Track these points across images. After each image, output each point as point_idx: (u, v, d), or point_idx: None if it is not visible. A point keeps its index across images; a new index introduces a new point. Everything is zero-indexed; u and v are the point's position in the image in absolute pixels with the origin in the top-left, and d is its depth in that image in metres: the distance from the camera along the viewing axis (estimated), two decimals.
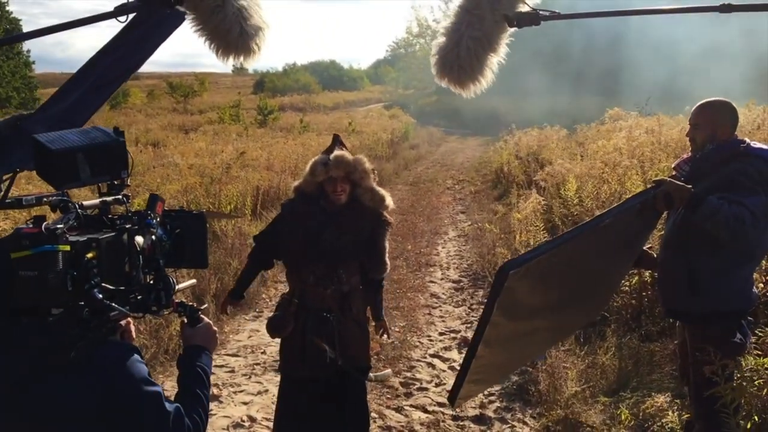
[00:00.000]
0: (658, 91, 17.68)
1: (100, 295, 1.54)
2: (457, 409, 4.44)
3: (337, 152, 3.38)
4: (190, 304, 1.91)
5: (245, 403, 4.57)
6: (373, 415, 4.19)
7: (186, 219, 1.93)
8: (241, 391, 4.76)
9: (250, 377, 5.02)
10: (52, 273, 1.46)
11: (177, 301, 1.85)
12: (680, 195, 2.80)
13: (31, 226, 1.50)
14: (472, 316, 6.45)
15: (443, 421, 4.32)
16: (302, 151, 14.09)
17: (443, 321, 6.34)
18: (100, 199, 1.77)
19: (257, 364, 5.27)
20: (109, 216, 1.75)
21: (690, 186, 2.86)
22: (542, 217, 7.17)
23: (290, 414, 3.45)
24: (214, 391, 4.71)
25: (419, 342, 5.74)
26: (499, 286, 2.44)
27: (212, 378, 4.86)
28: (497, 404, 4.60)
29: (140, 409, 1.59)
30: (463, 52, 2.68)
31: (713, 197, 2.80)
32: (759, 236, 2.86)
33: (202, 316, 1.91)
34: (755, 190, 2.81)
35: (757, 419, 2.78)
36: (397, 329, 5.95)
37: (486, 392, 4.74)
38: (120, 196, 1.84)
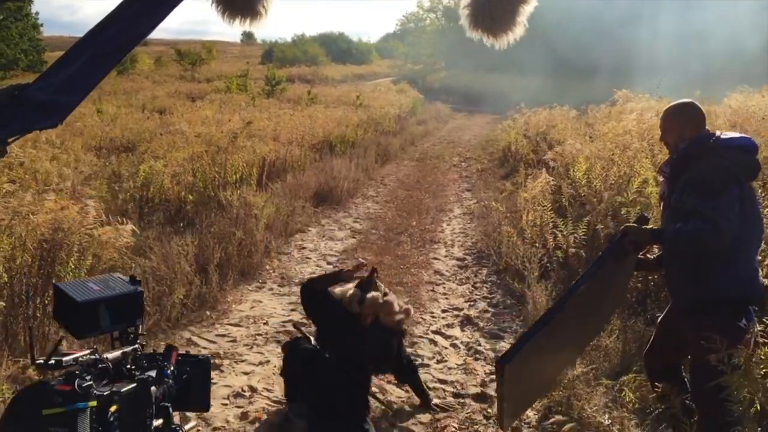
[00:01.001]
0: (672, 74, 17.50)
1: None
2: (461, 389, 4.45)
3: (371, 296, 3.95)
4: None
5: (246, 373, 4.57)
6: (374, 389, 4.19)
7: (191, 364, 2.01)
8: (242, 361, 4.76)
9: (251, 347, 5.02)
10: (80, 430, 1.53)
11: None
12: (643, 237, 3.16)
13: (62, 382, 1.57)
14: (476, 294, 6.44)
15: (444, 398, 4.32)
16: (309, 123, 14.00)
17: (446, 298, 6.32)
18: (121, 351, 1.86)
19: (259, 334, 5.27)
20: (127, 366, 1.85)
21: (651, 227, 3.24)
22: (551, 197, 7.11)
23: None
24: (216, 360, 4.71)
25: (422, 318, 5.73)
26: (501, 378, 2.83)
27: (213, 347, 4.88)
28: None
29: None
30: (494, 2, 2.74)
31: (671, 228, 3.06)
32: (746, 223, 2.99)
33: None
34: (718, 192, 2.94)
35: (758, 407, 2.76)
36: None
37: (487, 370, 4.74)
38: (137, 345, 1.93)
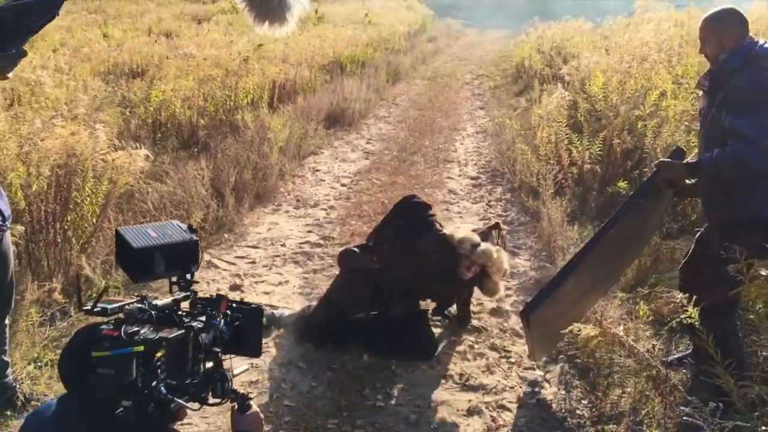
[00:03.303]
0: None
1: (165, 391, 1.70)
2: (477, 304, 4.52)
3: (487, 245, 3.78)
4: (242, 393, 2.00)
5: (266, 293, 4.66)
6: None
7: (245, 312, 2.05)
8: (262, 282, 4.85)
9: (270, 268, 5.10)
10: (128, 372, 1.62)
11: (231, 388, 1.97)
12: (679, 175, 3.05)
13: (111, 327, 1.67)
14: (490, 212, 6.45)
15: (480, 319, 4.39)
16: (318, 43, 13.72)
17: (461, 217, 6.34)
18: (172, 299, 1.92)
19: (277, 256, 5.34)
20: (178, 313, 1.90)
21: (683, 162, 3.09)
22: (566, 113, 7.01)
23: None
24: (236, 281, 4.80)
25: None
26: (527, 326, 2.84)
27: (233, 268, 4.96)
28: (514, 297, 4.67)
29: None
30: None
31: (707, 156, 2.93)
32: None
33: (251, 404, 2.01)
34: (755, 108, 2.83)
35: None
36: None
37: (503, 286, 4.79)
38: (189, 293, 1.98)
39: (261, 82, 9.38)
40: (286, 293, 4.69)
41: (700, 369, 2.94)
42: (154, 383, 1.68)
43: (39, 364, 3.53)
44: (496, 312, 4.47)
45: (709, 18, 3.14)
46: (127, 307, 1.80)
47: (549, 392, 3.58)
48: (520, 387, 3.64)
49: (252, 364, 3.50)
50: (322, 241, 5.65)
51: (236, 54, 10.04)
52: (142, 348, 1.64)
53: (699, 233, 3.44)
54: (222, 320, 1.96)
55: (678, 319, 2.85)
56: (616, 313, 4.05)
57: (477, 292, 4.21)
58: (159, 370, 1.70)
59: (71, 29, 12.82)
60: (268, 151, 7.19)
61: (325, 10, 21.75)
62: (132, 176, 4.92)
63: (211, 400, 1.90)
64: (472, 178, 7.62)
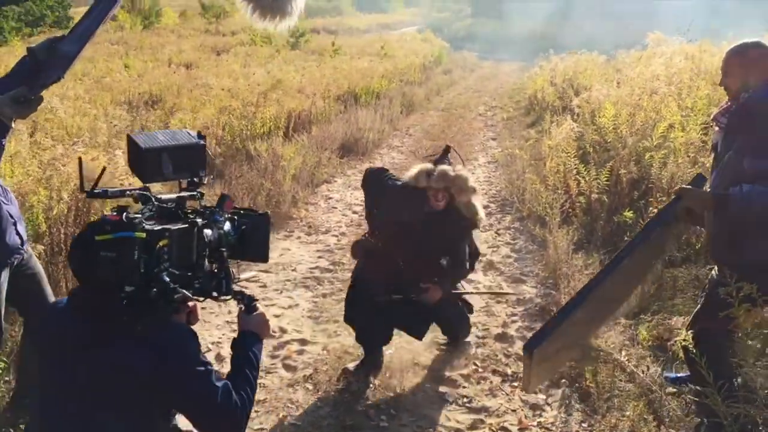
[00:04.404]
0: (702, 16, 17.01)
1: (167, 279, 1.76)
2: (483, 329, 4.60)
3: (441, 167, 3.71)
4: (249, 294, 2.11)
5: (276, 316, 4.77)
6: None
7: (252, 217, 2.12)
8: (272, 305, 4.96)
9: (281, 292, 5.22)
10: (128, 256, 1.68)
11: (236, 289, 2.07)
12: (702, 205, 2.70)
13: (114, 213, 1.73)
14: (499, 240, 6.54)
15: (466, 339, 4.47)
16: (334, 74, 13.99)
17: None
18: (177, 194, 1.98)
19: (288, 280, 5.46)
20: (184, 210, 1.97)
21: (709, 192, 2.78)
22: (574, 144, 7.11)
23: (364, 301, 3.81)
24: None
25: None
26: (528, 362, 2.62)
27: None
28: (519, 323, 4.74)
29: (189, 384, 1.83)
30: None
31: (736, 190, 2.63)
32: None
33: (257, 305, 2.12)
34: None
35: None
36: None
37: (509, 312, 4.88)
38: (195, 193, 2.04)
39: (278, 113, 9.60)
40: (295, 316, 4.80)
41: (697, 391, 2.98)
42: (156, 270, 1.75)
43: None
44: (501, 337, 4.55)
45: (736, 51, 2.96)
46: (129, 192, 1.91)
47: (550, 415, 3.64)
48: (522, 410, 3.71)
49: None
50: (332, 267, 5.77)
51: (255, 85, 10.29)
52: (143, 235, 1.71)
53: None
54: (228, 223, 2.03)
55: (672, 342, 2.91)
56: (618, 339, 4.12)
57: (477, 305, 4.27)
58: (162, 259, 1.76)
59: (93, 59, 13.19)
60: (282, 178, 7.35)
61: (341, 42, 22.17)
62: None
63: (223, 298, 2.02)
64: (483, 207, 7.70)
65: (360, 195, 8.08)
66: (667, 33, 13.80)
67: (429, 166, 3.75)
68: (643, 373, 3.57)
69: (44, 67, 2.62)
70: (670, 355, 3.78)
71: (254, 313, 2.11)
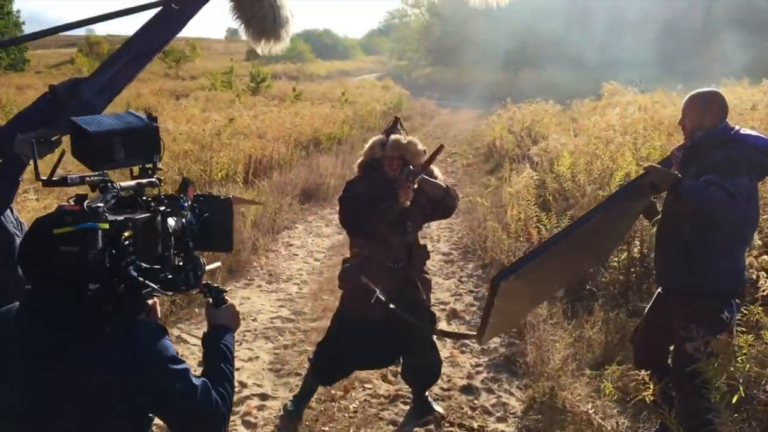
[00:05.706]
0: (653, 68, 17.67)
1: (135, 273, 1.61)
2: (447, 381, 4.52)
3: (394, 137, 3.88)
4: (216, 285, 2.00)
5: (236, 369, 4.60)
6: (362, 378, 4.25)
7: (214, 204, 2.00)
8: None
9: (240, 344, 5.06)
10: (92, 249, 1.53)
11: (204, 282, 1.95)
12: (665, 180, 3.02)
13: (73, 203, 1.58)
14: (461, 288, 6.51)
15: (431, 390, 4.38)
16: (295, 120, 14.01)
17: (432, 293, 6.36)
18: (136, 182, 1.84)
19: (248, 331, 5.31)
20: (144, 198, 1.82)
21: (677, 173, 3.07)
22: (535, 192, 7.19)
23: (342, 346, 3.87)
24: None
25: None
26: (493, 295, 2.76)
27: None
28: (484, 374, 4.67)
29: (169, 385, 1.69)
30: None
31: (691, 182, 2.99)
32: (745, 215, 3.02)
33: (226, 297, 2.01)
34: (736, 172, 2.97)
35: (743, 394, 2.83)
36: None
37: (473, 363, 4.82)
38: (154, 179, 1.91)
39: (236, 157, 9.52)
40: (256, 369, 4.65)
41: None
42: (123, 264, 1.60)
43: None
44: (466, 389, 4.47)
45: (695, 96, 3.34)
46: (88, 179, 1.73)
47: None
48: None
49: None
50: (293, 316, 5.65)
51: (214, 130, 10.22)
52: (107, 226, 1.56)
53: (652, 302, 3.53)
54: (189, 211, 1.91)
55: (640, 396, 2.89)
56: (584, 390, 4.08)
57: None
58: (127, 251, 1.61)
59: None
60: (241, 225, 7.24)
61: (302, 87, 22.32)
62: None
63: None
64: (444, 254, 7.71)
65: (321, 241, 8.02)
66: (623, 82, 14.24)
67: (381, 137, 3.96)
68: (612, 429, 3.52)
69: (64, 106, 2.61)
70: (636, 408, 3.75)
71: (223, 306, 2.01)
